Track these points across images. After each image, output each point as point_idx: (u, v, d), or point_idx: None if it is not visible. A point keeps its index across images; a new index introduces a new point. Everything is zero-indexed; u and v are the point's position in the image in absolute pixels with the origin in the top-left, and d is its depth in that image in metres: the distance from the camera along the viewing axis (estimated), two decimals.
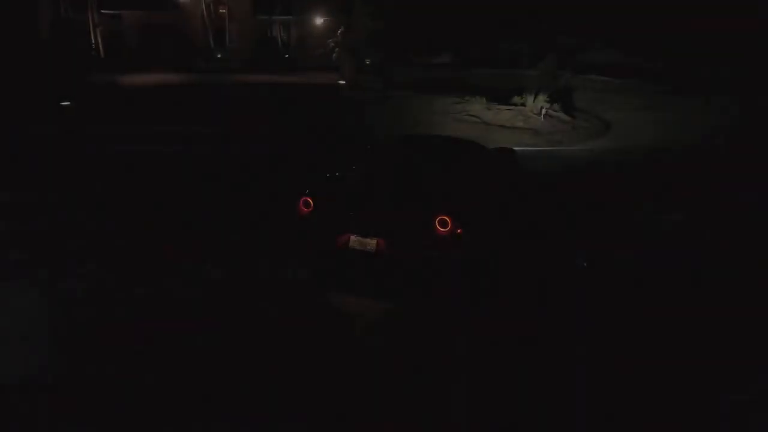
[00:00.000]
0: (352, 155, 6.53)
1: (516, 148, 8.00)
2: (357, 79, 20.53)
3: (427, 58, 23.36)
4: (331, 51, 29.14)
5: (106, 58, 29.41)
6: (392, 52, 20.86)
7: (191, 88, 21.05)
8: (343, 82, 20.43)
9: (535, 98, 16.06)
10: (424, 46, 21.28)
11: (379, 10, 19.48)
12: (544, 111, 15.67)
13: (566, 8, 18.69)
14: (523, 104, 16.48)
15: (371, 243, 5.16)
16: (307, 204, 5.44)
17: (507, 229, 6.38)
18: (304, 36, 36.92)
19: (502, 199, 6.48)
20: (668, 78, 18.94)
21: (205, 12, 32.49)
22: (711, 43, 18.72)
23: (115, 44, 31.26)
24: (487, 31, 24.90)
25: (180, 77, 23.80)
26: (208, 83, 22.55)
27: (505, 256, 6.01)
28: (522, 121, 15.52)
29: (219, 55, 32.72)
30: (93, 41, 29.66)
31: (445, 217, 5.01)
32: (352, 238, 5.22)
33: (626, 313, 4.97)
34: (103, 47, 30.12)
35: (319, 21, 34.19)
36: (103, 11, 30.72)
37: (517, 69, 25.44)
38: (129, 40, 32.51)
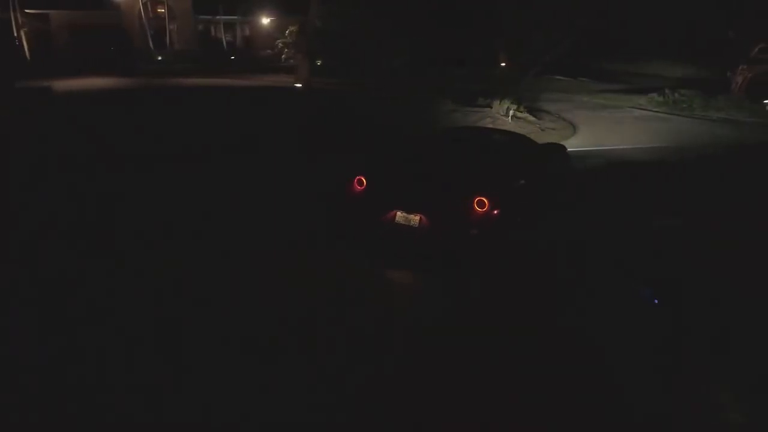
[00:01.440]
0: (402, 142, 7.27)
1: None
2: (312, 81, 19.62)
3: (387, 59, 22.81)
4: (280, 52, 28.08)
5: (33, 62, 27.08)
6: (349, 53, 20.13)
7: (137, 93, 19.52)
8: (299, 84, 19.45)
9: (500, 100, 15.74)
10: (384, 47, 20.69)
11: (344, 10, 18.70)
12: (511, 113, 15.37)
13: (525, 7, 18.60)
14: (489, 106, 16.14)
15: (414, 218, 5.74)
16: (360, 183, 6.09)
17: (539, 214, 6.74)
18: (250, 36, 35.53)
19: (539, 188, 6.84)
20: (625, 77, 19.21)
21: (142, 11, 30.56)
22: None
23: (43, 46, 28.90)
24: (449, 31, 24.66)
25: (119, 82, 22.09)
26: (154, 87, 21.00)
27: (534, 238, 6.43)
28: (490, 124, 15.14)
29: (159, 58, 30.86)
30: (17, 43, 27.25)
31: (483, 199, 5.58)
32: (398, 213, 5.82)
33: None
34: (29, 50, 27.73)
35: (265, 21, 32.93)
36: (27, 11, 28.31)
37: (477, 69, 25.40)
38: (59, 41, 30.15)
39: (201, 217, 7.04)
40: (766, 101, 16.79)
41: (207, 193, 8.10)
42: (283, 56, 27.24)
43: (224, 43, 34.83)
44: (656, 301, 4.84)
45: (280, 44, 28.11)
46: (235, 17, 34.16)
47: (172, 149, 10.70)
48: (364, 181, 6.10)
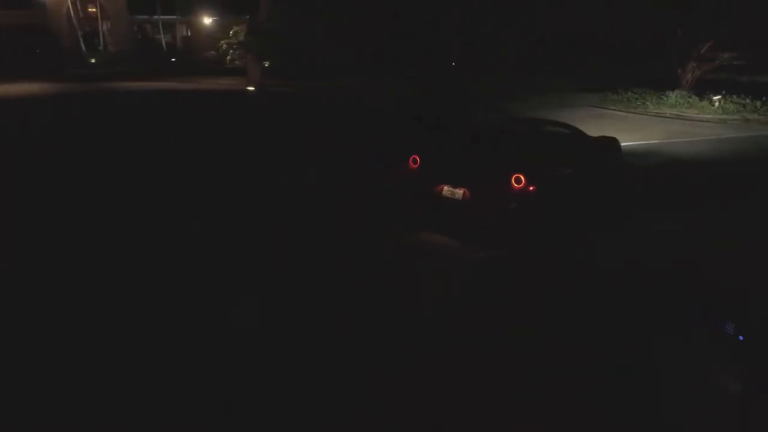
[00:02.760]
0: (450, 126, 8.39)
1: None
2: (265, 84, 18.58)
3: (337, 59, 22.05)
4: (225, 53, 26.75)
5: None
6: (301, 54, 19.25)
7: (61, 100, 17.86)
8: (252, 87, 18.36)
9: None
10: (335, 48, 19.93)
11: (296, 9, 17.78)
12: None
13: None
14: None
15: (459, 192, 6.50)
16: (414, 161, 6.97)
17: (574, 194, 7.11)
18: (191, 37, 33.85)
19: (583, 174, 7.35)
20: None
21: (71, 10, 28.44)
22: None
23: None
24: (400, 31, 24.11)
25: (45, 87, 20.27)
26: (84, 93, 19.36)
27: (566, 214, 6.88)
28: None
29: (93, 60, 28.84)
30: None
31: (520, 176, 6.22)
32: (446, 187, 6.58)
33: None
34: None
35: (207, 21, 31.42)
36: None
37: (428, 68, 25.00)
38: None
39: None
40: (715, 98, 17.16)
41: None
42: (228, 58, 25.94)
43: (163, 44, 33.06)
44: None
45: (224, 45, 26.78)
46: (174, 17, 32.50)
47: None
48: (418, 159, 6.99)
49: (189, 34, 34.26)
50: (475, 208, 6.41)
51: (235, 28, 26.47)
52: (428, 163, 6.91)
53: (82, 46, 28.96)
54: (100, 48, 30.06)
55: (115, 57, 29.34)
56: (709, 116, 16.31)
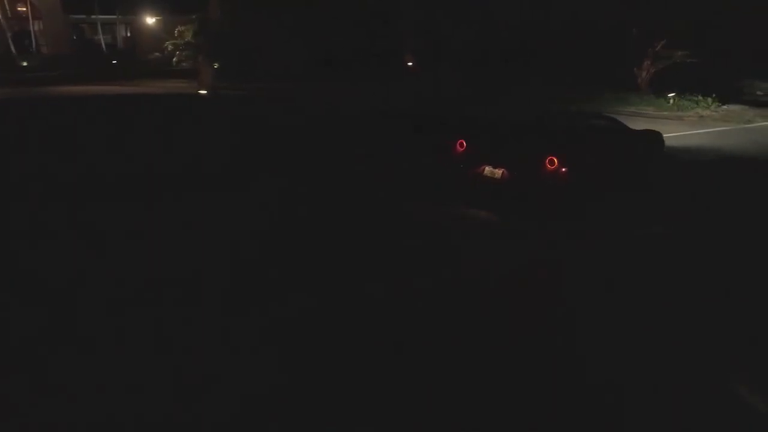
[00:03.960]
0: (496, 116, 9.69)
1: None
2: (217, 87, 17.61)
3: (292, 60, 21.28)
4: (171, 54, 25.44)
5: None
6: (254, 55, 18.39)
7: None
8: (204, 91, 17.33)
9: None
10: (289, 49, 19.17)
11: (249, 8, 16.88)
12: None
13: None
14: None
15: (498, 172, 7.23)
16: (461, 145, 7.76)
17: (602, 177, 7.69)
18: (133, 38, 32.17)
19: (619, 163, 8.05)
20: None
21: None
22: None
23: None
24: (354, 30, 23.55)
25: None
26: (21, 98, 17.84)
27: (592, 191, 7.54)
28: None
29: (24, 63, 26.89)
30: None
31: (554, 158, 6.93)
32: (486, 168, 7.33)
33: None
34: None
35: (150, 21, 29.90)
36: None
37: (383, 69, 24.55)
38: None
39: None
40: (669, 95, 17.46)
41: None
42: (174, 59, 24.67)
43: (103, 45, 31.24)
44: None
45: (170, 46, 25.46)
46: (114, 16, 30.77)
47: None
48: (464, 143, 7.81)
49: (129, 34, 32.55)
50: (511, 185, 7.22)
51: (180, 28, 25.20)
52: (473, 146, 7.78)
53: (12, 48, 26.94)
54: (32, 50, 28.07)
55: (50, 60, 27.46)
56: (666, 113, 16.55)
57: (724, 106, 17.51)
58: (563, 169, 6.93)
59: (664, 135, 9.79)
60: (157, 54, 28.14)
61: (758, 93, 22.60)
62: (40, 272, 5.13)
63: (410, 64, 28.81)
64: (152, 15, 29.63)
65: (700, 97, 16.91)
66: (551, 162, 6.93)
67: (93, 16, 30.26)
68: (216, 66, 21.46)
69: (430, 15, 22.98)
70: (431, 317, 4.50)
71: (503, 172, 7.20)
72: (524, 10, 19.27)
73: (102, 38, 31.31)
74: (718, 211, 7.64)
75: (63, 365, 3.73)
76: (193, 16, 22.89)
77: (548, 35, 19.09)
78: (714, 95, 17.08)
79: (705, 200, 8.13)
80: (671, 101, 17.15)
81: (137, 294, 4.69)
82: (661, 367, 3.86)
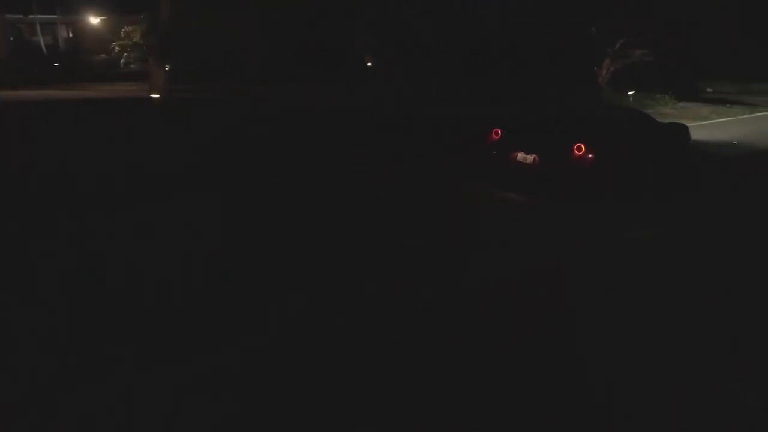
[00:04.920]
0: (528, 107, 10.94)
1: None
2: (170, 90, 16.66)
3: (249, 60, 20.47)
4: (118, 56, 24.15)
5: None
6: (209, 56, 17.55)
7: None
8: (156, 95, 16.34)
9: None
10: (246, 49, 18.42)
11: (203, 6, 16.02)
12: None
13: None
14: None
15: (530, 158, 7.94)
16: (496, 133, 8.52)
17: (626, 164, 8.10)
18: (77, 39, 30.44)
19: (643, 152, 8.46)
20: None
21: None
22: None
23: None
24: (312, 30, 22.91)
25: None
26: None
27: (617, 177, 7.98)
28: None
29: None
30: None
31: (581, 145, 7.57)
32: (519, 154, 8.05)
33: None
34: None
35: (95, 20, 28.34)
36: None
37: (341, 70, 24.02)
38: None
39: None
40: (629, 93, 17.70)
41: None
42: (122, 61, 23.40)
43: (43, 47, 29.43)
44: None
45: (117, 48, 24.15)
46: (55, 16, 29.05)
47: None
48: (499, 131, 8.55)
49: (72, 35, 30.82)
50: (541, 169, 7.89)
51: (128, 28, 23.93)
52: (507, 135, 8.48)
53: None
54: None
55: None
56: None
57: (680, 104, 17.90)
58: (589, 155, 7.58)
59: None
60: (103, 56, 26.69)
61: (708, 90, 23.39)
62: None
63: (369, 64, 28.40)
64: (96, 14, 28.11)
65: (659, 96, 17.21)
66: (579, 148, 7.59)
67: (31, 16, 28.46)
68: (168, 68, 20.44)
69: (386, 15, 22.64)
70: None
71: (535, 157, 7.93)
72: (487, 10, 19.15)
73: (42, 39, 29.49)
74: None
75: None
76: (141, 16, 21.79)
77: (511, 34, 19.02)
78: (671, 93, 17.43)
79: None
80: (631, 99, 17.38)
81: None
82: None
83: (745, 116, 17.46)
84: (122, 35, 24.09)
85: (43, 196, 7.21)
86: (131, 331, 4.04)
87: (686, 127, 9.91)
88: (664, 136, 9.19)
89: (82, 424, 3.13)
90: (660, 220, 7.17)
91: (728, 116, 17.05)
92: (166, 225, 6.42)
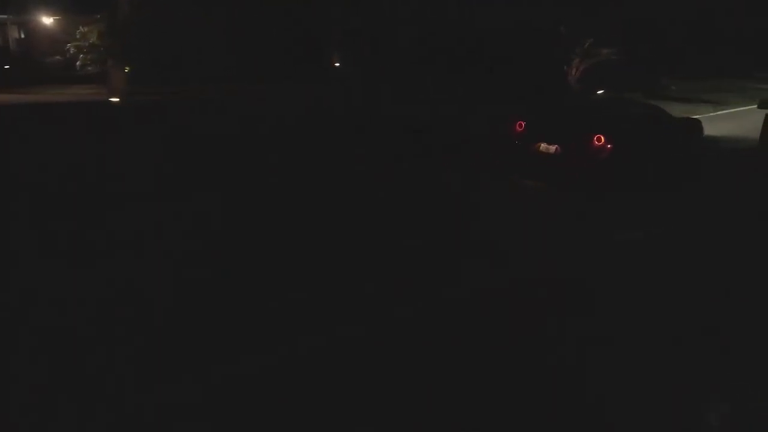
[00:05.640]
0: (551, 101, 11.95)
1: None
2: (130, 93, 15.89)
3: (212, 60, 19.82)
4: (74, 58, 23.09)
5: None
6: (171, 56, 16.86)
7: None
8: (116, 98, 15.55)
9: None
10: (210, 48, 17.78)
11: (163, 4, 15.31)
12: None
13: None
14: None
15: (552, 148, 8.59)
16: (520, 125, 9.21)
17: (642, 154, 8.72)
18: (29, 40, 29.00)
19: (650, 139, 9.00)
20: None
21: None
22: None
23: None
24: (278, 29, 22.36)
25: None
26: None
27: (634, 167, 8.54)
28: None
29: None
30: None
31: (601, 136, 8.18)
32: (542, 145, 8.70)
33: None
34: None
35: (48, 21, 27.05)
36: None
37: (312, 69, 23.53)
38: None
39: None
40: (598, 92, 17.81)
41: None
42: (78, 63, 22.38)
43: None
44: None
45: (73, 49, 23.10)
46: (5, 16, 27.61)
47: None
48: (523, 124, 9.14)
49: (24, 36, 29.38)
50: (563, 159, 8.45)
51: (83, 29, 22.91)
52: (531, 126, 9.08)
53: None
54: None
55: None
56: None
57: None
58: (609, 146, 8.13)
59: None
60: (57, 57, 25.52)
61: (672, 88, 23.86)
62: None
63: (337, 64, 28.01)
64: (49, 14, 26.83)
65: (626, 95, 17.33)
66: (599, 139, 8.14)
67: None
68: (127, 70, 19.61)
69: (351, 15, 22.33)
70: None
71: (557, 147, 8.49)
72: (455, 9, 19.02)
73: None
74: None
75: None
76: (98, 16, 20.87)
77: (480, 34, 18.93)
78: (640, 91, 17.62)
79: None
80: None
81: None
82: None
83: (710, 114, 17.78)
84: (78, 36, 23.06)
85: None
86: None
87: (699, 122, 10.54)
88: (678, 129, 9.77)
89: None
90: (663, 216, 7.34)
91: (696, 114, 17.31)
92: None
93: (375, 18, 19.47)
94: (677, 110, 17.67)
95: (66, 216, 6.53)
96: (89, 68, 22.29)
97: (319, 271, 5.21)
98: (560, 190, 8.42)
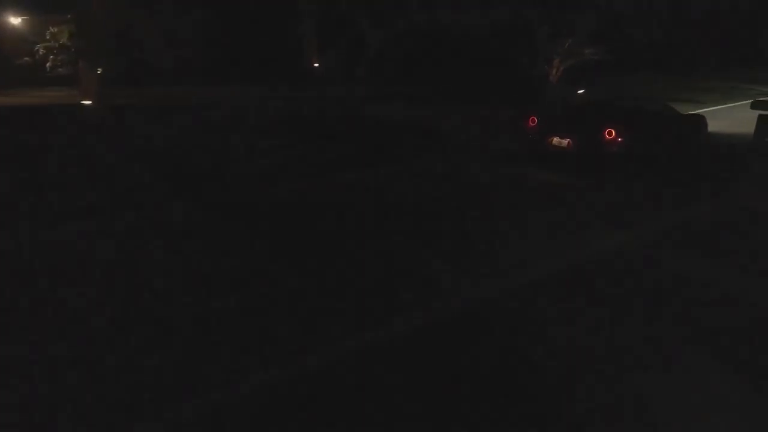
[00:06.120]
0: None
1: None
2: (106, 95, 15.37)
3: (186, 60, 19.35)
4: (44, 59, 22.39)
5: None
6: (147, 56, 16.40)
7: None
8: (88, 101, 15.04)
9: None
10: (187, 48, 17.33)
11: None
12: None
13: None
14: None
15: (564, 141, 9.14)
16: (533, 121, 9.77)
17: (651, 146, 9.38)
18: None
19: (657, 133, 9.59)
20: None
21: None
22: None
23: None
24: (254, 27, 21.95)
25: None
26: None
27: (642, 158, 9.12)
28: None
29: None
30: None
31: (612, 129, 8.70)
32: (555, 138, 9.24)
33: None
34: None
35: (15, 21, 26.13)
36: None
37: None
38: None
39: None
40: (579, 91, 17.87)
41: None
42: (48, 65, 21.72)
43: None
44: None
45: (42, 50, 22.43)
46: None
47: None
48: (535, 119, 9.67)
49: None
50: (575, 151, 8.95)
51: (53, 29, 22.24)
52: (543, 122, 9.62)
53: None
54: None
55: None
56: None
57: None
58: (619, 139, 8.62)
59: None
60: (26, 59, 24.71)
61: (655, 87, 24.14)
62: None
63: (316, 65, 27.72)
64: (17, 15, 25.94)
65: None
66: (609, 133, 8.62)
67: None
68: (100, 71, 19.04)
69: (330, 15, 22.11)
70: None
71: (569, 141, 8.99)
72: (437, 9, 18.92)
73: None
74: None
75: None
76: (68, 15, 20.28)
77: (462, 33, 18.86)
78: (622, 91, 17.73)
79: None
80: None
81: None
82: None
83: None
84: (47, 36, 22.39)
85: None
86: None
87: (703, 118, 11.13)
88: (682, 124, 10.36)
89: None
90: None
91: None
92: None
93: (353, 17, 19.24)
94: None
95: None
96: (60, 69, 21.67)
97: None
98: (573, 180, 8.54)
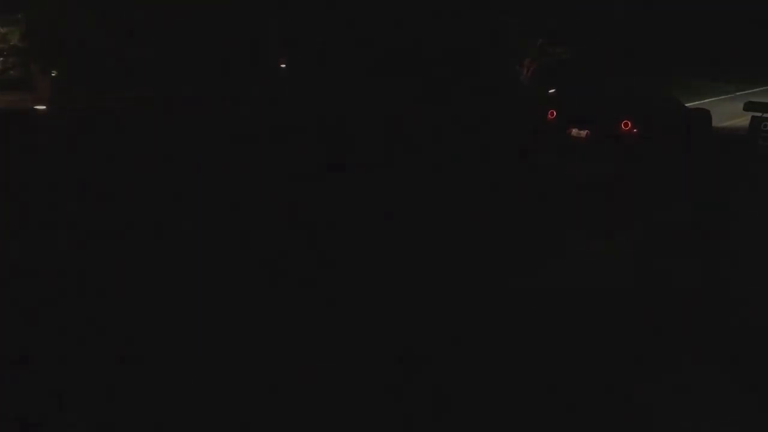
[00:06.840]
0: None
1: None
2: (61, 100, 14.53)
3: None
4: None
5: None
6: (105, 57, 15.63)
7: None
8: (42, 106, 14.20)
9: None
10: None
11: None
12: None
13: None
14: None
15: (583, 133, 10.25)
16: (551, 114, 10.69)
17: (663, 136, 10.19)
18: None
19: (669, 124, 10.53)
20: None
21: None
22: None
23: None
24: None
25: None
26: None
27: (657, 147, 10.02)
28: None
29: None
30: None
31: (628, 121, 9.85)
32: (573, 130, 10.32)
33: None
34: None
35: None
36: None
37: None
38: None
39: None
40: (550, 90, 17.89)
41: None
42: None
43: None
44: None
45: None
46: None
47: None
48: (554, 112, 10.59)
49: None
50: (593, 141, 9.58)
51: (2, 30, 21.09)
52: (561, 114, 10.32)
53: None
54: None
55: None
56: None
57: None
58: (635, 129, 9.51)
59: None
60: None
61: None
62: None
63: (283, 66, 27.20)
64: None
65: None
66: (626, 124, 9.50)
67: None
68: (54, 74, 18.09)
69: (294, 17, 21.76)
70: None
71: (587, 132, 9.82)
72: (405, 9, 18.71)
73: None
74: None
75: None
76: (18, 16, 19.28)
77: (430, 33, 18.69)
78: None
79: None
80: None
81: None
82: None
83: None
84: None
85: None
86: None
87: (708, 111, 12.06)
88: (690, 116, 11.26)
89: None
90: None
91: None
92: None
93: (316, 19, 18.87)
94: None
95: None
96: (11, 73, 20.59)
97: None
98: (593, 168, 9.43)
